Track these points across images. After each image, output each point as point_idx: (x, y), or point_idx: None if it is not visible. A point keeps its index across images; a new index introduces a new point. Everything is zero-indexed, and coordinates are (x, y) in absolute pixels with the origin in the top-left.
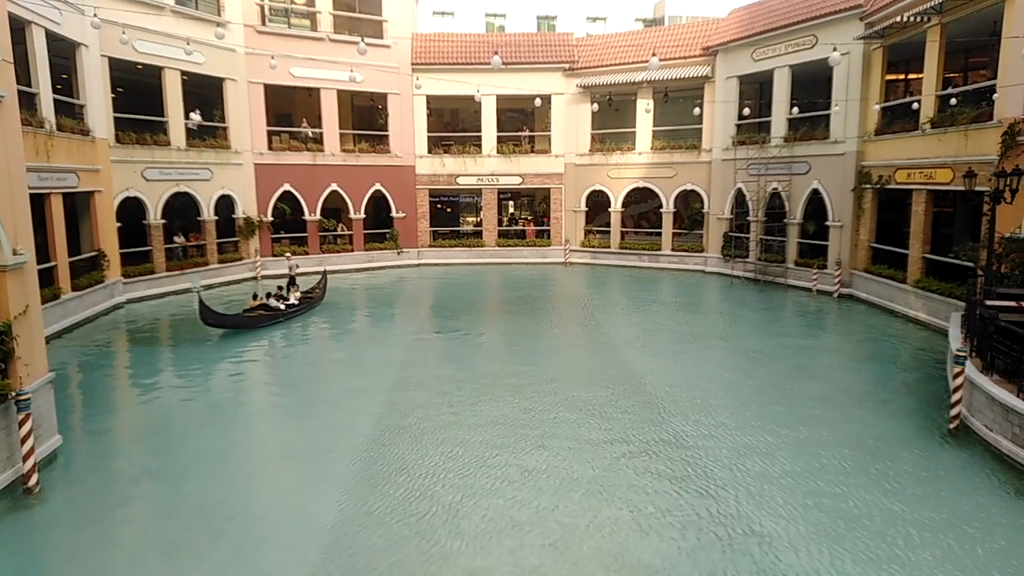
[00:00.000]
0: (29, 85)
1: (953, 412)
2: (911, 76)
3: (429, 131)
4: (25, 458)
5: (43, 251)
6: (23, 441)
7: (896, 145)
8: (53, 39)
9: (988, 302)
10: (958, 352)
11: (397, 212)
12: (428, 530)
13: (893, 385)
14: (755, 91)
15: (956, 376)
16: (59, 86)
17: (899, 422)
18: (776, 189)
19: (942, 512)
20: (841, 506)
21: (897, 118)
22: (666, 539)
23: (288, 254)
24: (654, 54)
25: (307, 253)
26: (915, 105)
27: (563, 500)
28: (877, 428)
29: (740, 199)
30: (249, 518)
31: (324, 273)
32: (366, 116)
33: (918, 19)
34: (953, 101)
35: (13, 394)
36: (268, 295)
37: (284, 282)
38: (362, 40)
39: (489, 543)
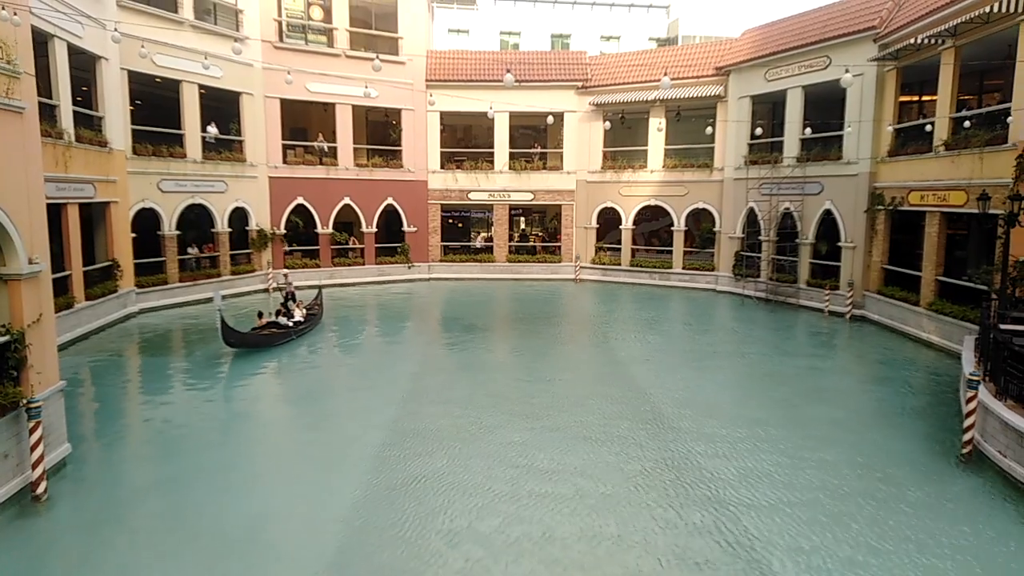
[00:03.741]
0: (50, 97)
1: (966, 437)
2: (925, 98)
3: (442, 147)
4: (34, 466)
5: (58, 260)
6: (33, 449)
7: (910, 167)
8: (74, 52)
9: (1002, 326)
10: (971, 376)
11: (409, 226)
12: (437, 548)
13: (905, 408)
14: (768, 111)
15: (969, 400)
16: (79, 98)
17: (911, 445)
18: (788, 209)
19: (953, 539)
20: (849, 529)
21: (911, 140)
22: (672, 564)
23: (285, 272)
24: (666, 74)
25: (319, 266)
26: (929, 127)
27: (572, 521)
28: (889, 451)
29: (752, 218)
30: (256, 531)
31: (320, 290)
32: (380, 131)
33: (932, 41)
34: (967, 124)
35: (24, 402)
36: (277, 312)
37: (283, 297)
38: (377, 57)
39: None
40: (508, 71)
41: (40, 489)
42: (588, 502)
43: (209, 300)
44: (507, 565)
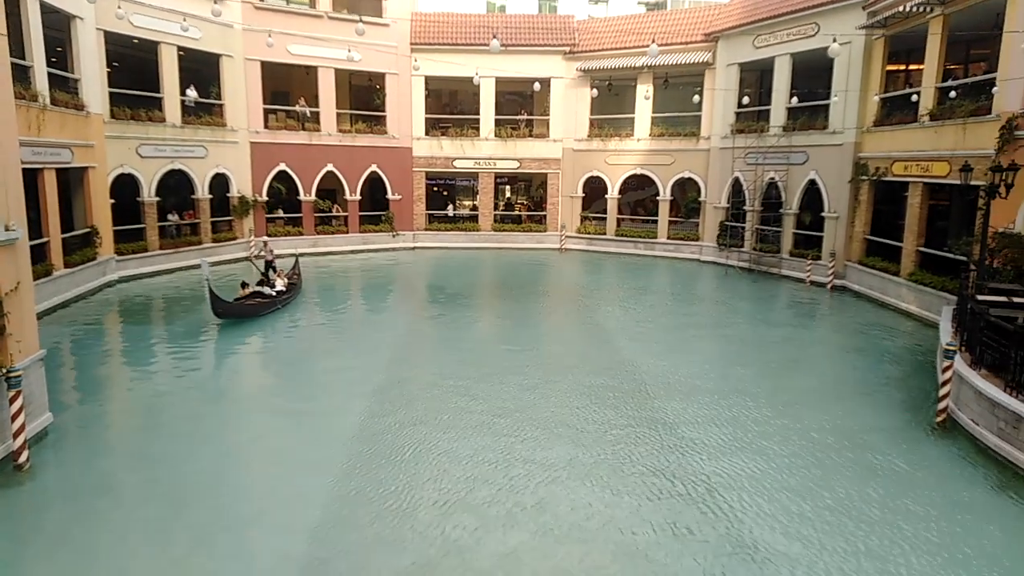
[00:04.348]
0: (23, 57)
1: (941, 405)
2: (912, 67)
3: (427, 113)
4: (16, 435)
5: (35, 227)
6: (14, 418)
7: (894, 137)
8: (47, 11)
9: (979, 297)
10: (947, 346)
11: (393, 194)
12: (431, 519)
13: (882, 377)
14: (755, 79)
15: (945, 370)
16: (53, 59)
17: (887, 414)
18: (773, 179)
19: (924, 505)
20: (825, 496)
21: (896, 109)
22: (649, 526)
23: (265, 239)
24: (654, 40)
25: (301, 234)
26: (914, 97)
27: (563, 490)
28: (865, 420)
29: (737, 188)
30: (238, 498)
31: (296, 258)
32: (363, 96)
33: (921, 9)
34: (953, 94)
35: (4, 371)
36: (260, 282)
37: (262, 266)
38: (360, 20)
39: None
40: (494, 37)
41: (22, 458)
42: (578, 471)
43: (191, 268)
44: (501, 535)
